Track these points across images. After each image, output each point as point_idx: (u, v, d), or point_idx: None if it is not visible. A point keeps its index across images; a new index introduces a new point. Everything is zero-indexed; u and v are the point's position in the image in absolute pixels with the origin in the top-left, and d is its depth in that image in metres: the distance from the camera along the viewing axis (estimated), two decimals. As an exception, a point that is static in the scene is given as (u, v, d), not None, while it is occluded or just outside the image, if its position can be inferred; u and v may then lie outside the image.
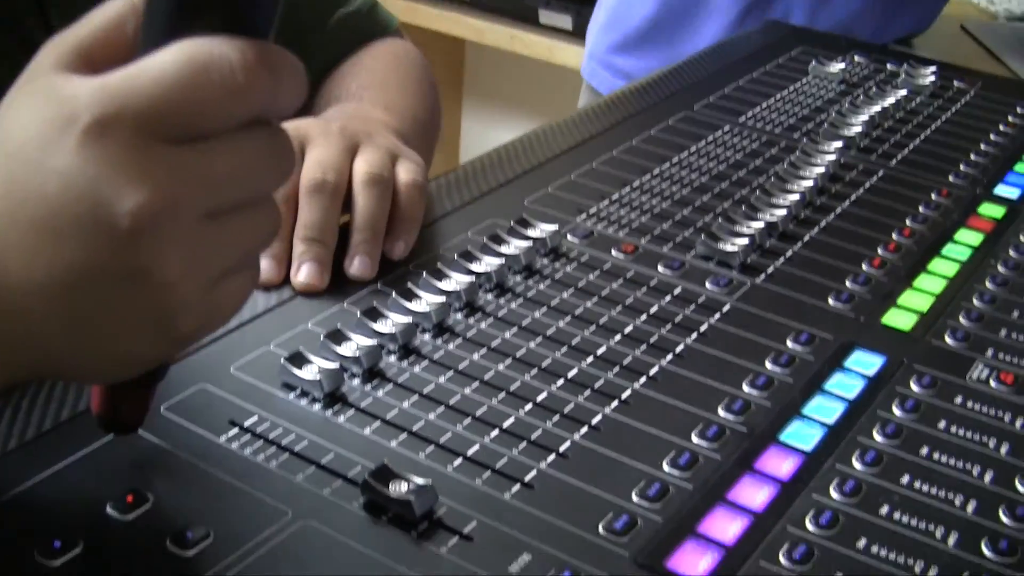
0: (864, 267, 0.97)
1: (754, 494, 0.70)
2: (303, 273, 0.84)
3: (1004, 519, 0.70)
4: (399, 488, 0.65)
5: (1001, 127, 1.30)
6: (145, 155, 0.52)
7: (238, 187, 0.56)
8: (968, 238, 1.04)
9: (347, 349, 0.76)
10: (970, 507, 0.70)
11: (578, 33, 2.40)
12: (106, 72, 0.53)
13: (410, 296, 0.82)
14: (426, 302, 0.82)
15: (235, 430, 0.70)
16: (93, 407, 0.64)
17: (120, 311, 0.55)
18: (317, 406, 0.73)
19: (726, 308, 0.89)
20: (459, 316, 0.84)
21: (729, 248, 0.95)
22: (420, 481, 0.65)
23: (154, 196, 0.52)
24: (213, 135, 0.54)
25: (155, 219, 0.52)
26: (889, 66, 1.43)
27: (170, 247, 0.53)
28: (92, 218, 0.52)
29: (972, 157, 1.21)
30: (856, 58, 1.45)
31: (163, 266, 0.53)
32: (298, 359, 0.75)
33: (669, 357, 0.82)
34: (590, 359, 0.81)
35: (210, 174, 0.54)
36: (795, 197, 1.04)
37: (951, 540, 0.68)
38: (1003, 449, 0.76)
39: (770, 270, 0.95)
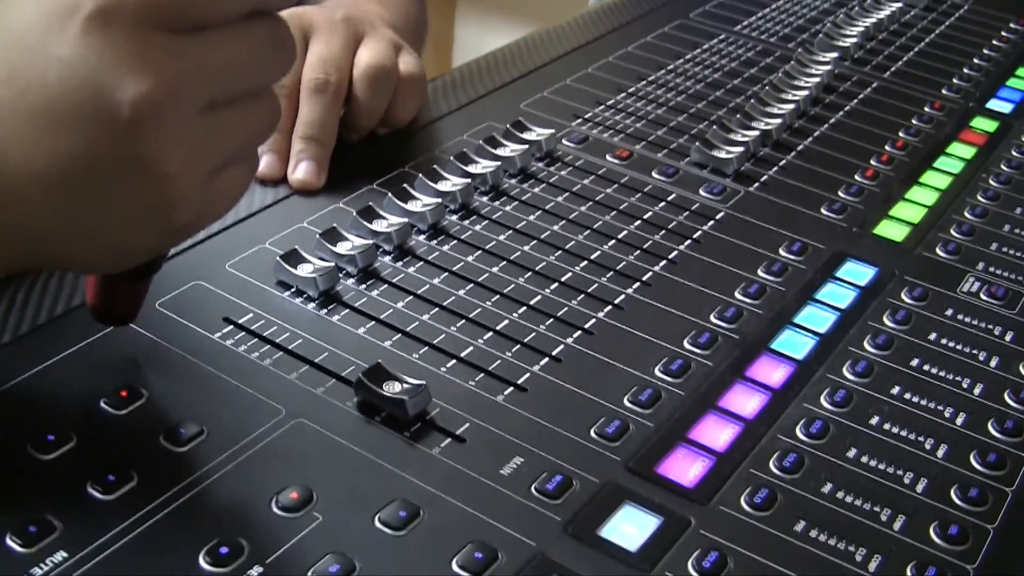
0: (857, 177, 0.97)
1: (745, 402, 0.70)
2: (300, 170, 0.84)
3: (993, 432, 0.70)
4: (393, 388, 0.65)
5: (994, 41, 1.29)
6: (147, 44, 0.51)
7: (238, 78, 0.56)
8: (961, 151, 1.04)
9: (342, 248, 0.76)
10: (959, 419, 0.71)
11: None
12: None
13: (406, 197, 0.82)
14: (421, 203, 0.82)
15: (229, 327, 0.70)
16: (87, 298, 0.64)
17: (118, 201, 0.54)
18: (312, 305, 0.73)
19: (720, 215, 0.89)
20: (454, 218, 0.84)
21: (723, 156, 0.94)
22: (414, 381, 0.66)
23: (155, 85, 0.51)
24: (214, 26, 0.54)
25: (156, 109, 0.51)
26: (885, -23, 1.42)
27: (170, 137, 0.52)
28: (93, 107, 0.51)
29: (965, 71, 1.21)
30: (852, -32, 1.44)
31: (163, 156, 0.53)
32: (293, 257, 0.74)
33: (662, 263, 0.82)
34: (583, 263, 0.81)
35: (211, 64, 0.54)
36: (790, 107, 1.03)
37: (940, 451, 0.68)
38: (993, 362, 0.76)
39: (764, 178, 0.95)
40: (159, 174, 0.53)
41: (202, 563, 0.55)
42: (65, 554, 0.54)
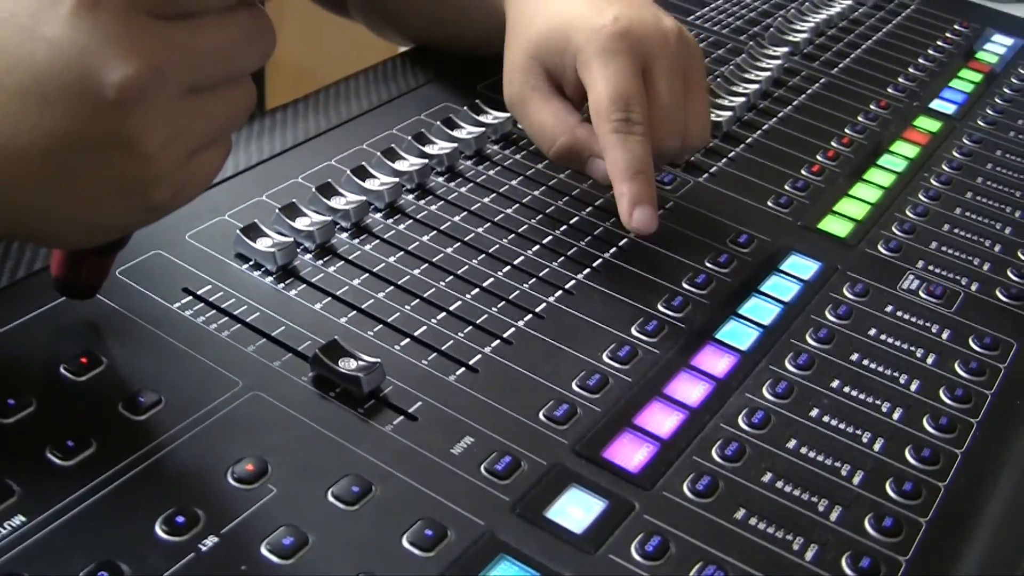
0: (804, 172, 0.99)
1: (690, 390, 0.72)
2: (637, 216, 0.79)
3: (928, 428, 0.72)
4: (348, 364, 0.66)
5: (939, 42, 1.32)
6: (135, 28, 0.52)
7: (221, 64, 0.57)
8: (904, 150, 1.06)
9: (300, 224, 0.77)
10: (896, 414, 0.73)
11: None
12: None
13: (364, 175, 0.83)
14: (379, 181, 0.83)
15: (188, 298, 0.71)
16: (52, 270, 0.65)
17: (98, 179, 0.55)
18: (269, 279, 0.74)
19: (669, 204, 0.90)
20: (410, 197, 0.85)
21: (674, 146, 0.96)
22: (369, 359, 0.67)
23: (141, 69, 0.52)
24: (201, 13, 0.55)
25: (141, 91, 0.52)
26: (836, -28, 1.44)
27: (153, 118, 0.54)
28: (79, 87, 0.52)
29: (910, 70, 1.23)
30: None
31: (145, 136, 0.54)
32: (252, 231, 0.75)
33: (612, 250, 0.83)
34: (536, 247, 0.82)
35: (195, 50, 0.55)
36: (740, 99, 1.05)
37: (877, 445, 0.70)
38: (929, 359, 0.78)
39: (713, 170, 0.97)
40: (140, 153, 0.54)
41: (158, 531, 0.56)
42: (23, 518, 0.56)
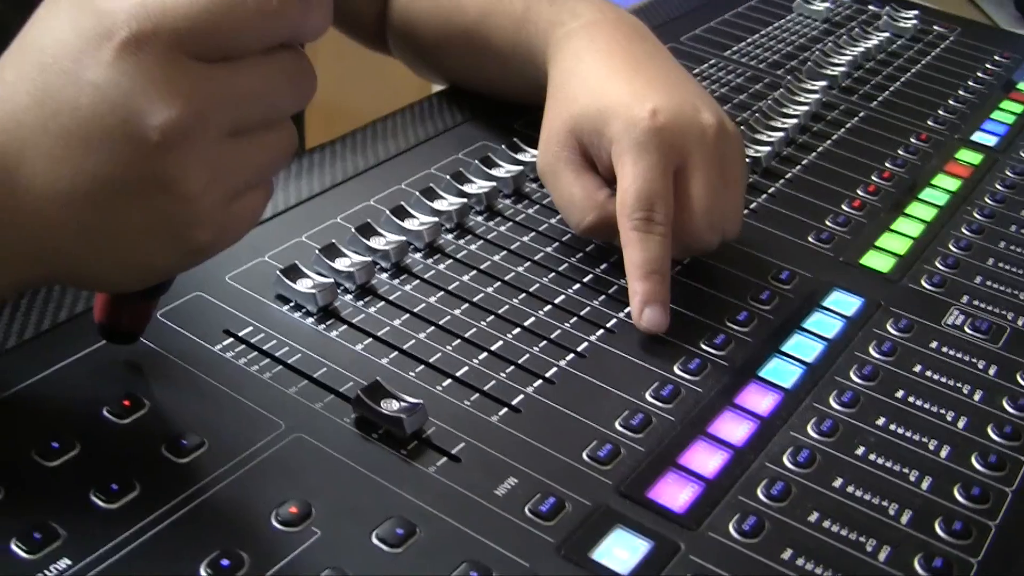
0: (844, 207, 0.98)
1: (734, 429, 0.71)
2: (647, 316, 0.78)
3: (976, 465, 0.71)
4: (391, 406, 0.66)
5: (979, 74, 1.31)
6: (178, 71, 0.53)
7: (262, 107, 0.57)
8: (946, 183, 1.06)
9: (340, 264, 0.77)
10: (944, 452, 0.72)
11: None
12: None
13: (403, 215, 0.83)
14: (418, 221, 0.83)
15: (229, 339, 0.71)
16: (95, 316, 0.65)
17: (139, 222, 0.56)
18: (310, 320, 0.74)
19: (710, 242, 0.90)
20: (450, 237, 0.85)
21: (714, 182, 0.95)
22: (411, 400, 0.67)
23: (184, 112, 0.52)
24: (242, 56, 0.55)
25: (183, 133, 0.53)
26: (871, 7, 1.44)
27: (195, 161, 0.54)
28: (122, 130, 0.52)
29: (951, 102, 1.23)
30: (840, -4, 1.46)
31: (187, 179, 0.54)
32: (293, 272, 0.75)
33: (654, 288, 0.83)
34: (576, 286, 0.82)
35: (237, 93, 0.55)
36: (779, 134, 1.05)
37: (925, 484, 0.69)
38: (976, 395, 0.77)
39: (752, 206, 0.96)
40: (181, 195, 0.54)
41: (203, 574, 0.56)
42: (69, 561, 0.55)
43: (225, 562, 0.56)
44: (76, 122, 0.53)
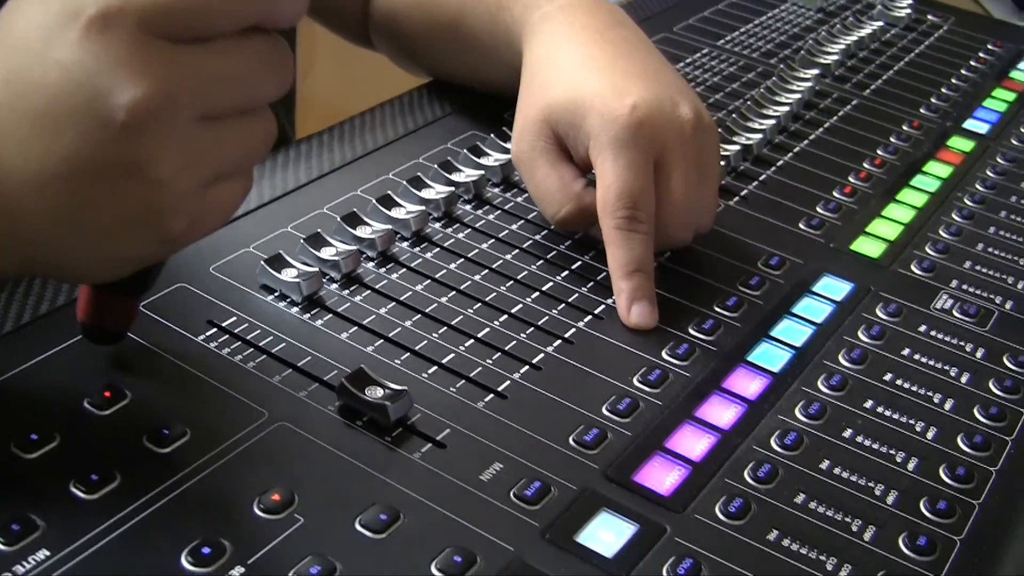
0: (835, 193, 0.98)
1: (722, 413, 0.71)
2: (635, 312, 0.78)
3: (963, 446, 0.71)
4: (375, 393, 0.66)
5: (972, 63, 1.31)
6: (146, 51, 0.52)
7: (235, 91, 0.56)
8: (937, 170, 1.05)
9: (326, 253, 0.77)
10: (930, 433, 0.72)
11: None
12: None
13: (390, 204, 0.83)
14: (405, 210, 0.83)
15: (213, 330, 0.71)
16: (79, 315, 0.65)
17: (111, 207, 0.55)
18: (295, 309, 0.74)
19: (699, 229, 0.89)
20: (437, 226, 0.85)
21: (704, 170, 0.95)
22: (396, 387, 0.66)
23: (151, 91, 0.52)
24: (213, 38, 0.54)
25: (151, 114, 0.52)
26: (866, -5, 1.44)
27: (164, 144, 0.53)
28: (89, 110, 0.52)
29: (943, 91, 1.22)
30: (833, -15, 1.46)
31: (156, 162, 0.53)
32: (277, 262, 0.75)
33: (642, 275, 0.83)
34: (564, 273, 0.82)
35: (209, 75, 0.54)
36: (771, 122, 1.04)
37: (910, 465, 0.69)
38: (963, 378, 0.77)
39: (743, 193, 0.96)
40: (151, 179, 0.54)
41: (184, 563, 0.56)
42: (47, 552, 0.55)
43: (206, 550, 0.56)
44: (44, 102, 0.52)
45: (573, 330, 0.76)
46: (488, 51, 0.98)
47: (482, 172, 0.89)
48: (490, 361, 0.72)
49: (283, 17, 0.57)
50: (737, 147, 0.99)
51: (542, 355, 0.73)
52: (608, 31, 0.89)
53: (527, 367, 0.72)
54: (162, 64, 0.52)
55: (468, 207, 0.87)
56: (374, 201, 0.83)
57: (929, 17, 1.42)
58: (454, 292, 0.78)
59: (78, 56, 0.52)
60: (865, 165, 1.04)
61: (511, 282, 0.80)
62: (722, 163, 0.94)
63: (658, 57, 0.89)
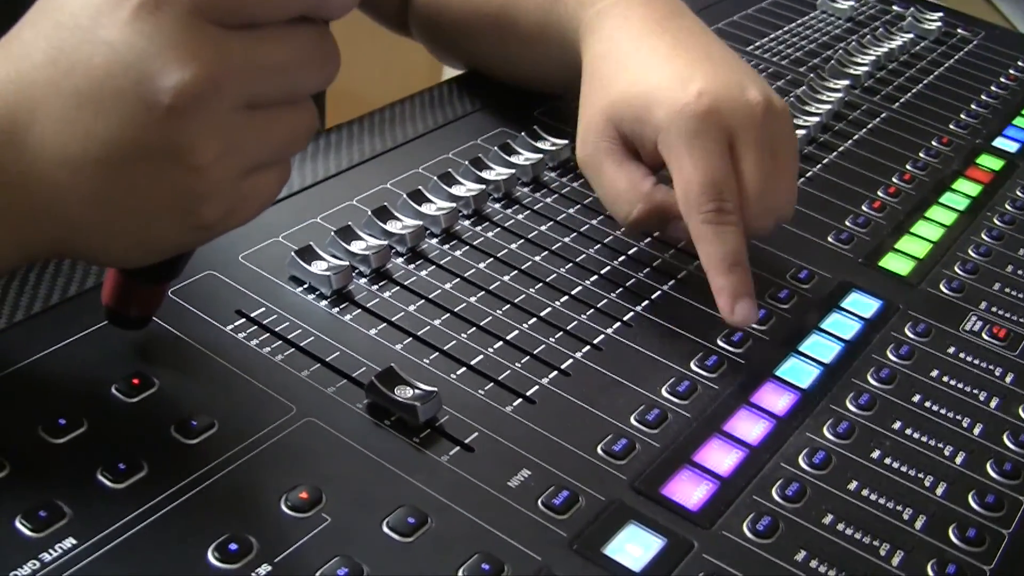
0: (864, 208, 0.98)
1: (750, 428, 0.70)
2: (740, 311, 0.76)
3: (992, 473, 0.71)
4: (404, 393, 0.65)
5: (1002, 79, 1.30)
6: (195, 35, 0.51)
7: (280, 81, 0.56)
8: (966, 188, 1.05)
9: (356, 247, 0.76)
10: (959, 458, 0.71)
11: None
12: None
13: (420, 199, 0.82)
14: (435, 206, 0.82)
15: (241, 320, 0.70)
16: (103, 299, 0.64)
17: (148, 191, 0.54)
18: (324, 303, 0.73)
19: (728, 238, 0.89)
20: (467, 223, 0.84)
21: (734, 178, 0.94)
22: (426, 387, 0.66)
23: (199, 76, 0.51)
24: (262, 25, 0.54)
25: (197, 99, 0.51)
26: (896, 7, 1.43)
27: (207, 129, 0.52)
28: (135, 92, 0.51)
29: (973, 107, 1.22)
30: (863, -5, 1.45)
31: (197, 148, 0.53)
32: (307, 253, 0.74)
33: (671, 282, 0.82)
34: (594, 277, 0.81)
35: (256, 63, 0.54)
36: (801, 132, 1.04)
37: (939, 489, 0.69)
38: (992, 403, 0.77)
39: (772, 204, 0.95)
40: (192, 166, 0.53)
41: (211, 558, 0.55)
42: (74, 541, 0.55)
43: (233, 546, 0.56)
44: (88, 82, 0.52)
45: (602, 336, 0.75)
46: (535, 46, 0.97)
47: (512, 171, 0.88)
48: (519, 365, 0.72)
49: (333, 9, 0.56)
50: (796, 136, 0.98)
51: (571, 361, 0.73)
52: (666, 21, 0.86)
53: (556, 372, 0.72)
54: (211, 49, 0.52)
55: (498, 206, 0.87)
56: (404, 196, 0.82)
57: (959, 31, 1.41)
58: (483, 292, 0.77)
59: (127, 37, 0.51)
60: (894, 180, 1.03)
61: (540, 284, 0.79)
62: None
63: (721, 44, 0.86)
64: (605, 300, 0.79)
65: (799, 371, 0.76)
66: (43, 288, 0.69)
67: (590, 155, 0.82)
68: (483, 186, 0.86)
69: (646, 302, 0.79)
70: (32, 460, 0.58)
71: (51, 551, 0.54)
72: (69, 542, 0.54)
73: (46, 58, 0.53)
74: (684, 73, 0.79)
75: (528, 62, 1.00)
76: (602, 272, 0.82)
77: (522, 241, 0.83)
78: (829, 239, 0.92)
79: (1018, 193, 1.05)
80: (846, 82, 1.17)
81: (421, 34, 1.12)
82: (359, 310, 0.73)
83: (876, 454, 0.70)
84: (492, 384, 0.70)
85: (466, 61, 1.08)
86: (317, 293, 0.74)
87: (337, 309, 0.73)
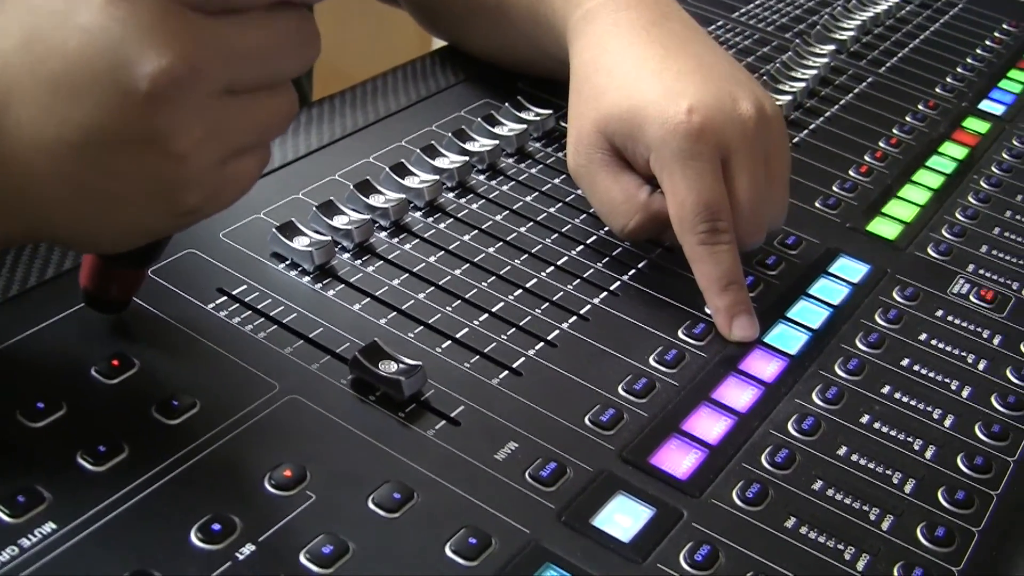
0: (851, 172, 0.97)
1: (738, 395, 0.70)
2: (737, 328, 0.75)
3: (980, 435, 0.70)
4: (388, 367, 0.65)
5: (987, 42, 1.29)
6: (173, 20, 0.50)
7: (261, 65, 0.55)
8: (953, 151, 1.04)
9: (338, 222, 0.75)
10: (948, 421, 0.71)
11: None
12: None
13: (403, 172, 0.81)
14: (419, 179, 0.81)
15: (223, 298, 0.70)
16: (81, 281, 0.63)
17: (127, 177, 0.53)
18: (306, 278, 0.73)
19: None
20: (451, 195, 0.83)
21: (719, 145, 0.94)
22: (410, 362, 0.65)
23: (176, 62, 0.50)
24: (243, 10, 0.53)
25: (174, 85, 0.50)
26: (881, -30, 1.42)
27: (186, 116, 0.52)
28: (111, 78, 0.50)
29: (959, 70, 1.21)
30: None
31: (176, 134, 0.52)
32: (289, 229, 0.74)
33: (658, 251, 0.82)
34: (579, 247, 0.80)
35: (235, 48, 0.53)
36: (787, 98, 1.03)
37: (928, 453, 0.68)
38: (981, 365, 0.76)
39: (758, 170, 0.95)
40: (171, 152, 0.52)
41: (194, 539, 0.54)
42: (54, 525, 0.54)
43: (216, 526, 0.55)
44: (64, 68, 0.51)
45: (588, 306, 0.75)
46: (529, 40, 0.95)
47: (496, 142, 0.88)
48: (504, 337, 0.71)
49: None
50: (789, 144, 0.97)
51: (557, 332, 0.72)
52: (655, 27, 0.84)
53: (542, 343, 0.71)
54: (189, 35, 0.51)
55: (482, 177, 0.86)
56: (387, 169, 0.81)
57: (944, -6, 1.40)
58: (468, 264, 0.76)
59: (103, 22, 0.50)
60: (881, 144, 1.02)
61: (526, 255, 0.78)
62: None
63: (712, 48, 0.85)
64: (591, 270, 0.78)
65: (787, 337, 0.76)
66: (20, 270, 0.68)
67: (583, 167, 0.81)
68: (467, 158, 0.85)
69: (632, 271, 0.79)
70: (10, 445, 0.57)
71: (30, 536, 0.53)
72: (49, 527, 0.54)
73: (19, 43, 0.52)
74: (675, 87, 0.77)
75: (525, 54, 0.98)
76: (588, 242, 0.81)
77: (507, 212, 0.82)
78: (816, 204, 0.91)
79: (1004, 156, 1.04)
80: (832, 47, 1.16)
81: (414, 10, 1.09)
82: (342, 285, 0.73)
83: (865, 419, 0.70)
84: (478, 357, 0.69)
85: (456, 42, 1.06)
86: (300, 269, 0.73)
87: (320, 285, 0.72)
